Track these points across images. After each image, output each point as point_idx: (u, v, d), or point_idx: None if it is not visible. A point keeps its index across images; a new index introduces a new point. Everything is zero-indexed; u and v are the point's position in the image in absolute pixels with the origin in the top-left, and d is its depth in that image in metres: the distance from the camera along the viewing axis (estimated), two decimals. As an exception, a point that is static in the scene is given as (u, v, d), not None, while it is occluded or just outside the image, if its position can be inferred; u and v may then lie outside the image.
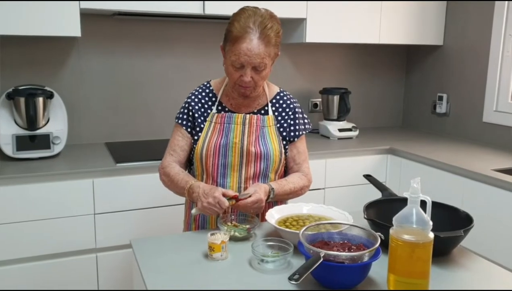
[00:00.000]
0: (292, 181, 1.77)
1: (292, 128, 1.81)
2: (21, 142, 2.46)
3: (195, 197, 1.62)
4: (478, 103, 3.16)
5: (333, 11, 2.99)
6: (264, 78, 1.68)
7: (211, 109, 1.78)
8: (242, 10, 1.64)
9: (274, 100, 1.82)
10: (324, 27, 2.99)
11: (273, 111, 1.80)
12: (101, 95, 2.93)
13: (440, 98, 3.42)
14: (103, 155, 2.63)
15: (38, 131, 2.50)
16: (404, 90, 3.80)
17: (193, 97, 1.81)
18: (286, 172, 1.86)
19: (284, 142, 1.80)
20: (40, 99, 2.50)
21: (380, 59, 3.66)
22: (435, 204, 1.39)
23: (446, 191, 2.56)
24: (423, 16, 3.27)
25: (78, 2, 2.40)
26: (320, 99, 3.47)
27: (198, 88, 1.84)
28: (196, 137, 1.77)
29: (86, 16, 2.72)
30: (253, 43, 1.58)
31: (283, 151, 1.78)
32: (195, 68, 3.10)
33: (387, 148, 2.99)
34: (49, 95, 2.55)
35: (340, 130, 3.21)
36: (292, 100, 1.85)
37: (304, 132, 1.84)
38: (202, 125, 1.77)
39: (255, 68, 1.63)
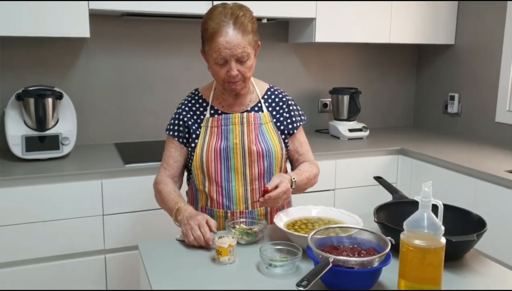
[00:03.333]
0: (306, 169, 1.75)
1: (289, 121, 1.80)
2: (31, 143, 2.46)
3: (180, 220, 1.57)
4: (490, 103, 3.11)
5: (342, 11, 2.96)
6: (250, 69, 1.65)
7: (204, 115, 1.76)
8: (212, 8, 1.64)
9: (265, 96, 1.81)
10: (334, 27, 2.96)
11: (267, 107, 1.79)
12: (110, 96, 2.93)
13: (452, 98, 3.37)
14: (112, 155, 2.63)
15: (48, 132, 2.51)
16: (415, 90, 3.76)
17: (183, 107, 1.79)
18: (292, 165, 1.86)
19: (283, 136, 1.78)
20: (50, 100, 2.50)
21: (390, 58, 3.62)
22: (446, 207, 1.36)
23: (458, 192, 2.52)
24: (434, 15, 3.23)
25: (87, 3, 2.40)
26: (330, 99, 3.44)
27: (187, 97, 1.82)
28: (193, 145, 1.74)
29: (95, 17, 2.72)
30: (229, 35, 1.57)
31: (283, 146, 1.77)
32: (204, 68, 3.05)
33: (398, 149, 2.96)
34: (58, 96, 2.55)
35: (350, 130, 3.18)
36: (283, 94, 1.84)
37: (301, 123, 1.84)
38: (197, 132, 1.74)
39: (239, 60, 1.61)
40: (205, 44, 1.65)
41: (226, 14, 1.59)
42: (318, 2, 2.88)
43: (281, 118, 1.79)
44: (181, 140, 1.76)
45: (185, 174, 1.86)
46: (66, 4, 2.36)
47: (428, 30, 3.23)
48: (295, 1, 2.80)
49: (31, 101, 2.46)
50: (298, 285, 1.10)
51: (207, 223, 1.51)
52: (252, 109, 1.77)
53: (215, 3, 2.56)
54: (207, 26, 1.60)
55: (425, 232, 1.15)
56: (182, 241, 1.54)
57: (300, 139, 1.84)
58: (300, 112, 1.85)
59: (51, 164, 2.44)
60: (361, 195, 2.87)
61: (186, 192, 1.89)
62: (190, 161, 1.76)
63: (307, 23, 2.98)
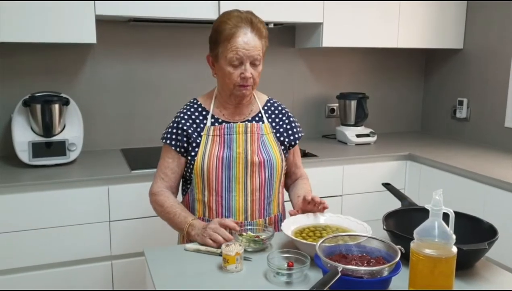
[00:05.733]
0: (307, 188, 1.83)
1: (290, 132, 1.82)
2: (37, 149, 2.46)
3: (195, 234, 1.56)
4: (499, 108, 3.08)
5: (350, 15, 2.95)
6: (259, 75, 1.69)
7: (204, 123, 1.73)
8: (227, 12, 1.67)
9: (265, 108, 1.82)
10: (341, 32, 2.95)
11: (267, 118, 1.79)
12: (116, 101, 2.93)
13: (460, 103, 3.35)
14: (118, 161, 2.63)
15: (54, 138, 2.51)
16: (423, 95, 3.73)
17: (182, 115, 1.76)
18: (287, 178, 1.89)
19: (282, 147, 1.78)
20: (56, 106, 2.50)
21: (398, 63, 3.60)
22: (456, 214, 1.34)
23: (467, 198, 2.49)
24: (442, 20, 3.21)
25: (93, 9, 2.40)
26: (337, 104, 3.43)
27: (185, 106, 1.80)
28: (193, 153, 1.71)
29: (102, 23, 2.71)
30: (248, 36, 1.61)
31: (283, 157, 1.77)
32: (210, 73, 3.07)
33: (406, 154, 2.93)
34: (65, 102, 2.56)
35: (358, 136, 3.16)
36: (282, 106, 1.86)
37: (301, 135, 1.86)
38: (198, 141, 1.71)
39: (253, 64, 1.63)
40: (218, 46, 1.65)
41: (242, 18, 1.63)
42: (325, 6, 2.87)
43: (281, 130, 1.80)
44: (178, 149, 1.73)
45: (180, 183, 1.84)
46: (73, 10, 2.37)
47: (436, 34, 3.21)
48: (302, 6, 2.80)
49: (38, 107, 2.46)
50: (306, 294, 1.09)
51: (224, 224, 1.53)
52: (253, 119, 1.77)
53: (222, 8, 2.59)
54: (223, 27, 1.62)
55: (435, 241, 1.13)
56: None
57: (297, 151, 1.88)
58: (298, 124, 1.87)
59: (57, 170, 2.44)
60: (368, 201, 2.85)
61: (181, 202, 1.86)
62: (189, 170, 1.73)
63: (314, 28, 2.97)
